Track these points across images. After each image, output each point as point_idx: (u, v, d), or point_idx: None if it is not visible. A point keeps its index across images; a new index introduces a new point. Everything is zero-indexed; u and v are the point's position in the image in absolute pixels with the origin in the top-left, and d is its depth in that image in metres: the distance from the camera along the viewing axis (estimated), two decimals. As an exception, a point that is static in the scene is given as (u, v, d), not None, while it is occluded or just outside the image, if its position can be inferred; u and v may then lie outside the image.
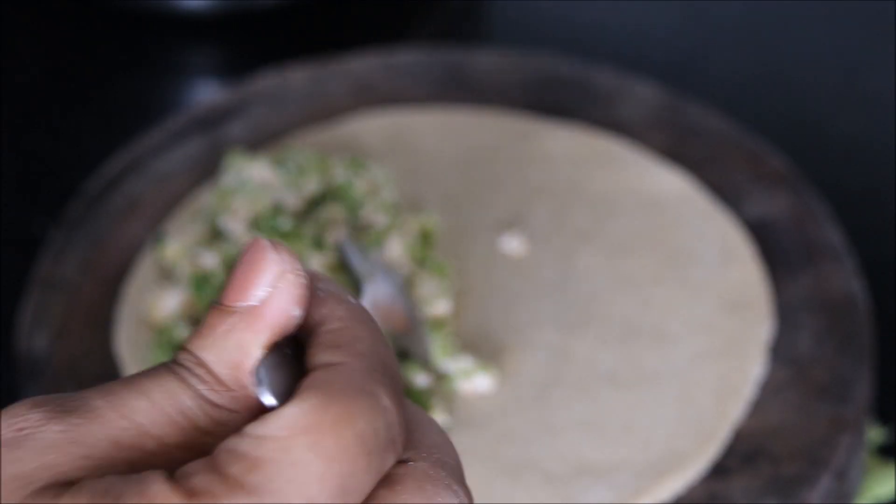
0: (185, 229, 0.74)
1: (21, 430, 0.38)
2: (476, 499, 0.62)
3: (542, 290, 0.73)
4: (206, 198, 0.77)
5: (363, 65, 0.87)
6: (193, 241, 0.72)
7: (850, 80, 1.02)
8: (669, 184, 0.78)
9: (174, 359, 0.39)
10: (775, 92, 1.01)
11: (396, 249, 0.72)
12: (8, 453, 0.37)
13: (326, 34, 1.06)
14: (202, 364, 0.39)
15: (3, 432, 0.38)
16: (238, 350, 0.39)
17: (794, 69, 1.03)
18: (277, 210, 0.73)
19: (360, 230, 0.74)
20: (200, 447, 0.39)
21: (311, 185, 0.74)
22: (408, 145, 0.81)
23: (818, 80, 1.02)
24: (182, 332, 0.69)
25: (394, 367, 0.39)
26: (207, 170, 0.80)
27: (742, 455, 0.66)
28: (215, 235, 0.73)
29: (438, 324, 0.70)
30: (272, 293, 0.39)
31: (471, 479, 0.63)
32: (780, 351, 0.70)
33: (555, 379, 0.69)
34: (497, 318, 0.72)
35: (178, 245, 0.73)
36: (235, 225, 0.72)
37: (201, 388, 0.39)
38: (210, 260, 0.71)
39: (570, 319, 0.72)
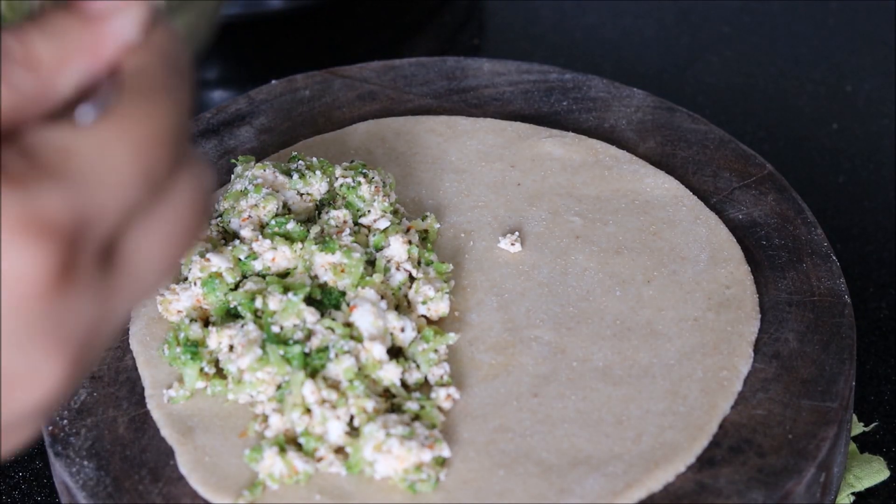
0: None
1: None
2: (474, 489, 0.64)
3: (538, 289, 0.73)
4: (216, 201, 0.77)
5: (367, 73, 0.87)
6: (204, 242, 0.72)
7: (832, 87, 1.03)
8: (660, 187, 0.78)
9: None
10: (760, 99, 1.02)
11: (396, 250, 0.72)
12: None
13: (332, 44, 1.06)
14: (28, 48, 0.39)
15: None
16: (76, 52, 0.40)
17: (779, 77, 1.04)
18: (285, 212, 0.74)
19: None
20: None
21: (317, 189, 0.75)
22: (409, 150, 0.82)
23: (802, 87, 1.03)
24: (194, 330, 0.69)
25: (187, 67, 0.41)
26: (218, 174, 0.80)
27: (729, 447, 0.66)
28: (225, 237, 0.74)
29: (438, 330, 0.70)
30: (129, 15, 0.40)
31: (470, 470, 0.65)
32: (767, 347, 0.70)
33: (550, 374, 0.69)
34: (495, 317, 0.72)
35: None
36: (245, 228, 0.73)
37: (17, 74, 0.38)
38: (220, 260, 0.71)
39: (565, 317, 0.72)
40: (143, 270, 0.41)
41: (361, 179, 0.75)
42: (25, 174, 0.37)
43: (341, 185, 0.75)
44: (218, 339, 0.69)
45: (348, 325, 0.69)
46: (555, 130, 0.82)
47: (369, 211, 0.75)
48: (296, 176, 0.75)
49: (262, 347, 0.67)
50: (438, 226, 0.76)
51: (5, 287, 0.37)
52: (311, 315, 0.68)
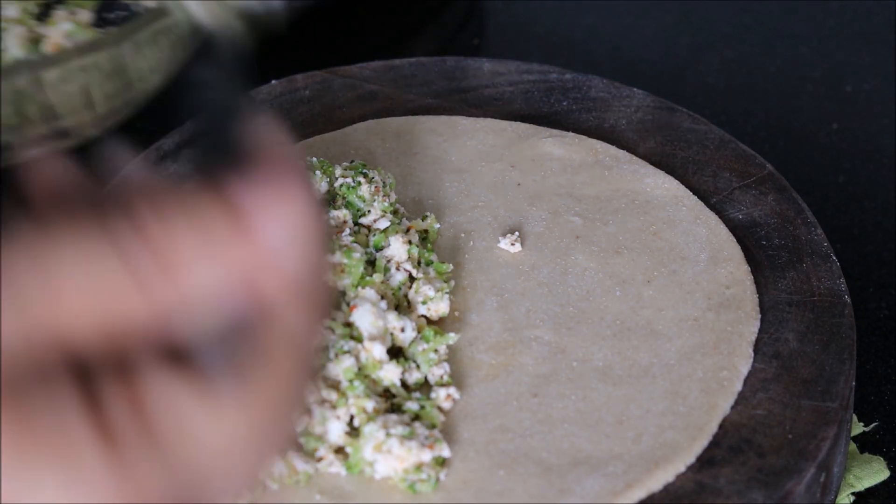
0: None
1: None
2: (474, 489, 0.64)
3: (538, 289, 0.73)
4: None
5: (367, 73, 0.87)
6: None
7: (832, 87, 1.03)
8: (660, 187, 0.78)
9: (122, 219, 0.35)
10: (760, 99, 1.02)
11: (397, 250, 0.72)
12: None
13: (332, 44, 1.06)
14: (169, 231, 0.35)
15: None
16: (216, 255, 0.36)
17: (778, 77, 1.04)
18: None
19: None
20: (114, 337, 0.35)
21: (317, 189, 0.75)
22: (409, 150, 0.81)
23: (802, 87, 1.03)
24: None
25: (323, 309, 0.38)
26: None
27: (729, 447, 0.66)
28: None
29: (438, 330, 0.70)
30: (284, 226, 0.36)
31: (470, 470, 0.65)
32: (767, 347, 0.70)
33: (550, 374, 0.69)
34: (495, 317, 0.72)
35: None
36: None
37: (150, 280, 0.35)
38: None
39: (565, 317, 0.72)
40: None
41: (361, 179, 0.75)
42: (131, 439, 0.35)
43: (341, 185, 0.75)
44: None
45: (348, 324, 0.69)
46: (555, 130, 0.82)
47: (369, 211, 0.75)
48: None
49: None
50: (438, 226, 0.76)
51: None
52: None
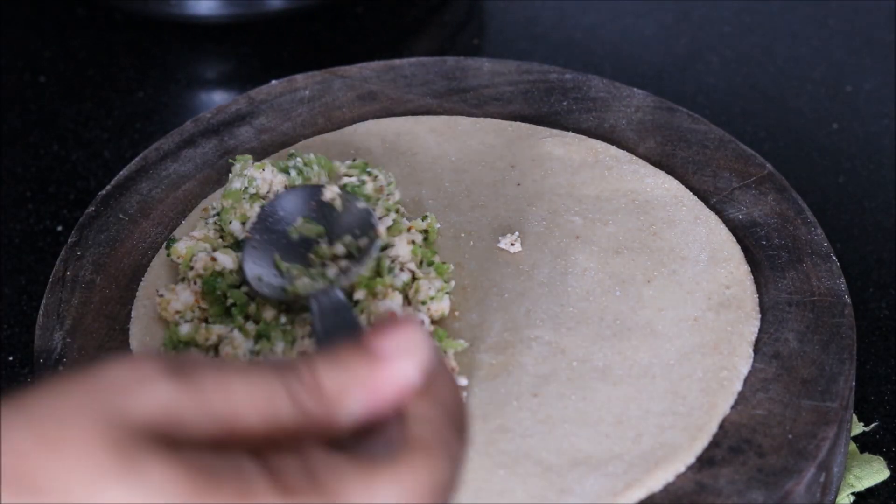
0: (195, 231, 0.74)
1: (139, 376, 0.40)
2: (474, 489, 0.64)
3: (538, 289, 0.73)
4: (214, 199, 0.78)
5: (367, 73, 0.87)
6: (203, 242, 0.73)
7: (832, 87, 1.03)
8: (660, 187, 0.78)
9: (287, 363, 0.42)
10: (760, 99, 1.02)
11: (401, 250, 0.72)
12: (124, 390, 0.40)
13: (332, 44, 1.06)
14: (315, 376, 0.42)
15: (124, 374, 0.40)
16: (359, 387, 0.43)
17: (779, 77, 1.04)
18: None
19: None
20: (279, 442, 0.42)
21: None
22: (409, 150, 0.82)
23: (802, 87, 1.03)
24: (184, 329, 0.69)
25: (466, 421, 0.44)
26: (217, 174, 0.80)
27: (729, 447, 0.66)
28: (223, 237, 0.74)
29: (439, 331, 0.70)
30: (414, 361, 0.43)
31: (470, 470, 0.64)
32: (767, 347, 0.70)
33: (550, 374, 0.69)
34: (495, 317, 0.72)
35: (189, 246, 0.72)
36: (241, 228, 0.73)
37: (302, 395, 0.42)
38: (226, 260, 0.71)
39: (565, 317, 0.72)
40: None
41: (366, 178, 0.75)
42: (303, 488, 0.40)
43: (346, 185, 0.75)
44: (206, 336, 0.68)
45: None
46: (555, 130, 0.82)
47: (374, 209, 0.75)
48: (294, 173, 0.75)
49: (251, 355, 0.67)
50: (439, 225, 0.76)
51: None
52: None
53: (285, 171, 0.75)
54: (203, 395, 0.41)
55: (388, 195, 0.75)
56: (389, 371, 0.43)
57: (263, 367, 0.42)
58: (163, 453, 0.39)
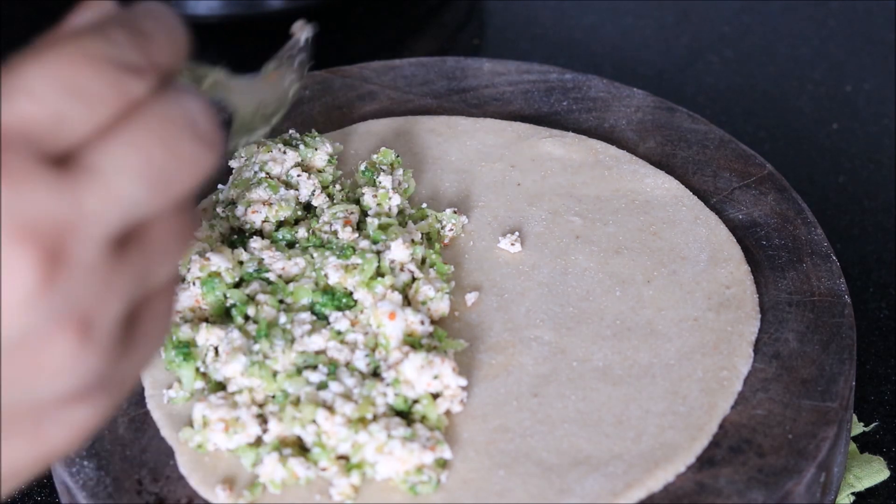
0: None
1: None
2: (474, 489, 0.64)
3: (538, 289, 0.73)
4: (212, 199, 0.77)
5: (367, 73, 0.87)
6: (201, 242, 0.73)
7: (832, 87, 1.03)
8: (660, 187, 0.78)
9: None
10: (760, 99, 1.02)
11: (402, 251, 0.72)
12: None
13: (332, 44, 1.06)
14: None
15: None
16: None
17: (779, 77, 1.04)
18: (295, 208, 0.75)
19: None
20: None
21: (320, 159, 0.76)
22: (409, 150, 0.82)
23: (802, 87, 1.03)
24: (183, 331, 0.69)
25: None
26: (217, 173, 0.81)
27: (729, 447, 0.66)
28: (223, 238, 0.74)
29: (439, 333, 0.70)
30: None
31: (470, 470, 0.65)
32: (767, 347, 0.70)
33: (550, 374, 0.69)
34: (495, 316, 0.72)
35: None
36: (255, 219, 0.74)
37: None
38: (220, 260, 0.71)
39: (565, 317, 0.72)
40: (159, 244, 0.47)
41: (382, 174, 0.76)
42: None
43: (364, 169, 0.76)
44: (206, 336, 0.68)
45: (354, 322, 0.69)
46: (555, 130, 0.83)
47: (378, 206, 0.75)
48: (302, 146, 0.76)
49: (247, 354, 0.67)
50: (465, 219, 0.77)
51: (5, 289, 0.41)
52: (316, 340, 0.68)
53: (290, 143, 0.76)
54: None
55: (398, 183, 0.76)
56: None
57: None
58: None
